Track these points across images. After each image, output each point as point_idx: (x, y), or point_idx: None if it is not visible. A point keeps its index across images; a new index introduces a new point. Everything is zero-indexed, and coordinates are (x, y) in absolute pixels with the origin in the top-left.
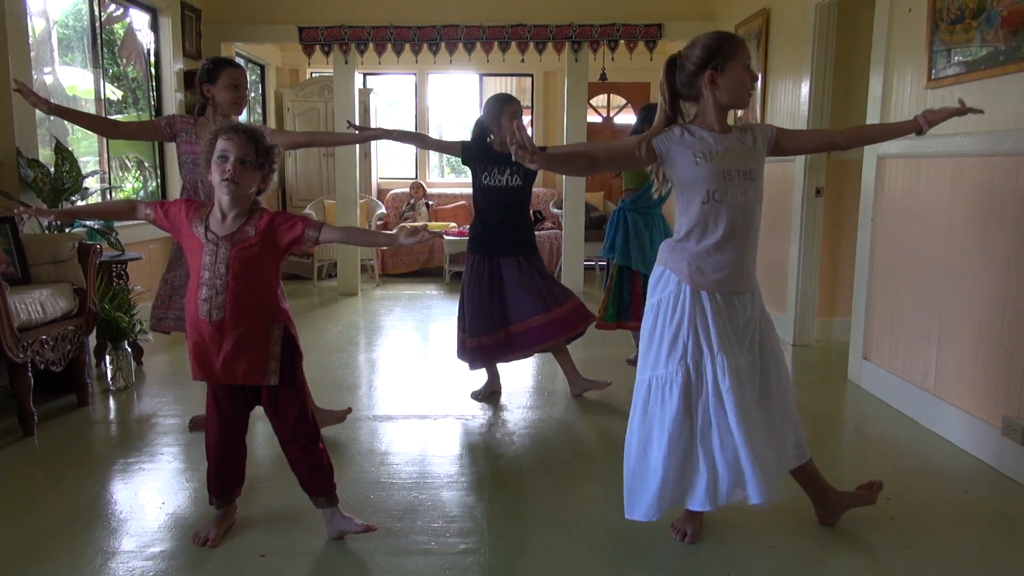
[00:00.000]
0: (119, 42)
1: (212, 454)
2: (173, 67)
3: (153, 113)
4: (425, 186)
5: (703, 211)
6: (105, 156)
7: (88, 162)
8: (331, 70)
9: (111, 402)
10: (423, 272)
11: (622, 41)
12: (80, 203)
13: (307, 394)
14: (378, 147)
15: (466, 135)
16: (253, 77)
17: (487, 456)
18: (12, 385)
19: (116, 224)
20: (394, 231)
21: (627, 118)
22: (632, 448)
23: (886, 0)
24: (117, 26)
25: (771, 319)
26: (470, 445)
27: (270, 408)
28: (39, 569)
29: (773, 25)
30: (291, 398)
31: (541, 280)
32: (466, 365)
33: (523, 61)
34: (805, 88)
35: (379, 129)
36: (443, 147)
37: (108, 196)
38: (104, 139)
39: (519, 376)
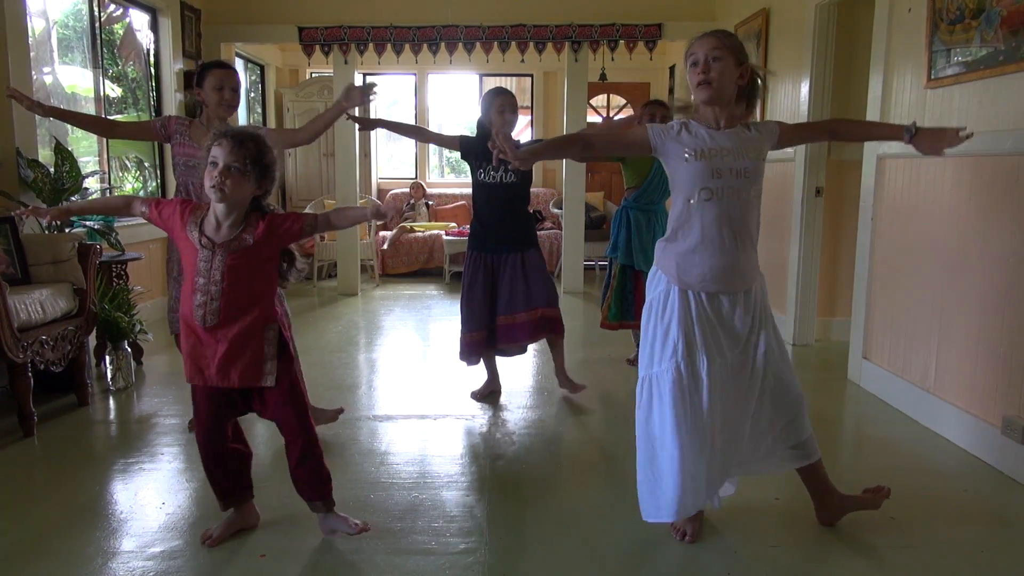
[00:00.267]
0: (119, 42)
1: (202, 460)
2: (173, 67)
3: (153, 113)
4: (425, 186)
5: (691, 209)
6: (105, 156)
7: (88, 162)
8: (331, 70)
9: (111, 402)
10: (423, 272)
11: (622, 41)
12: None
13: (305, 395)
14: (378, 147)
15: (466, 135)
16: (253, 77)
17: (487, 456)
18: (12, 385)
19: (116, 224)
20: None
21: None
22: (640, 448)
23: (886, 0)
24: (117, 26)
25: (773, 320)
26: (470, 445)
27: (269, 407)
28: (39, 569)
29: (773, 25)
30: (285, 400)
31: (530, 275)
32: (465, 364)
33: (523, 61)
34: (805, 88)
35: (378, 120)
36: (441, 141)
37: (108, 196)
38: (104, 139)
39: (519, 376)
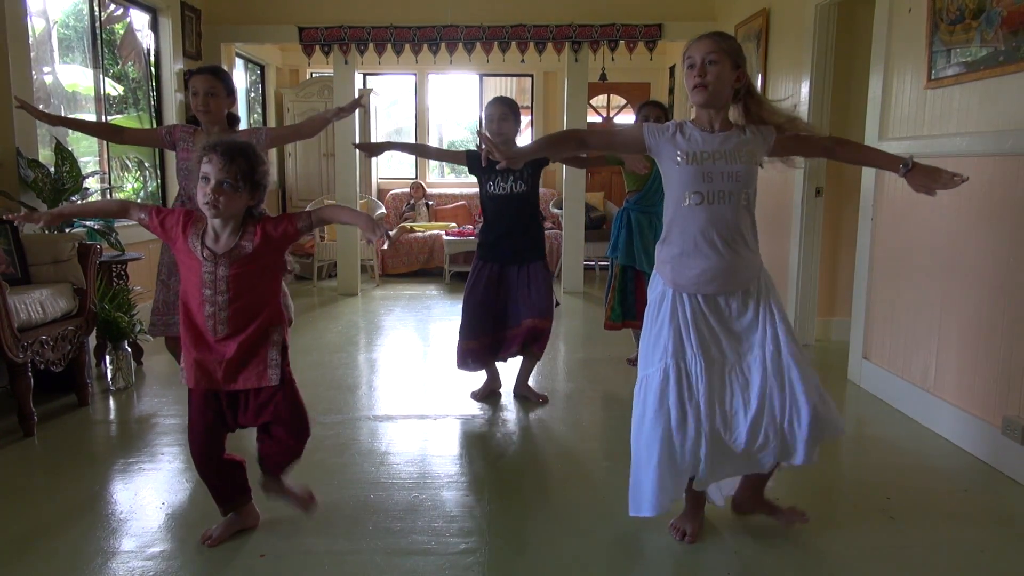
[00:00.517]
0: (119, 42)
1: (197, 470)
2: (173, 67)
3: (153, 113)
4: (425, 186)
5: (682, 212)
6: (105, 156)
7: (88, 162)
8: (331, 70)
9: (111, 402)
10: (423, 272)
11: (622, 41)
12: (80, 203)
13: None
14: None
15: (466, 135)
16: (253, 77)
17: (487, 456)
18: (12, 385)
19: (116, 224)
20: (374, 218)
21: (627, 118)
22: (633, 445)
23: (886, 0)
24: (117, 26)
25: (781, 316)
26: (470, 445)
27: (264, 413)
28: (40, 569)
29: (773, 25)
30: (286, 398)
31: (541, 288)
32: (456, 366)
33: (523, 61)
34: (805, 88)
35: (384, 143)
36: (448, 157)
37: (108, 196)
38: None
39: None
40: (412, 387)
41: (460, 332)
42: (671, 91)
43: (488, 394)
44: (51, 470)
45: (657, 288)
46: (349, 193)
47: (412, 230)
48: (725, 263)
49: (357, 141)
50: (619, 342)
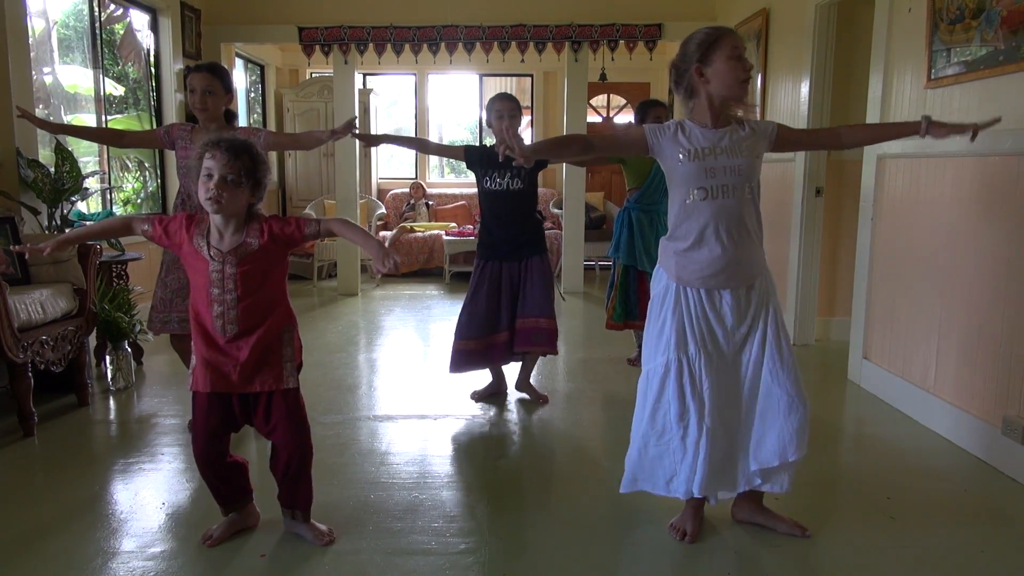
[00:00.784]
0: (119, 42)
1: (200, 472)
2: (173, 67)
3: (153, 113)
4: (425, 186)
5: (687, 209)
6: (105, 156)
7: (88, 162)
8: (331, 70)
9: (111, 402)
10: (423, 272)
11: (622, 41)
12: (80, 204)
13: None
14: (378, 148)
15: (466, 135)
16: (253, 77)
17: (487, 456)
18: (12, 385)
19: None
20: (389, 235)
21: (627, 118)
22: (633, 435)
23: (886, 0)
24: (117, 26)
25: (778, 316)
26: (470, 445)
27: (275, 412)
28: (40, 569)
29: (773, 25)
30: (293, 407)
31: (542, 286)
32: (449, 369)
33: (523, 61)
34: (805, 88)
35: (382, 135)
36: (446, 152)
37: (108, 196)
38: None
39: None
40: (412, 387)
41: (456, 332)
42: (671, 91)
43: (489, 395)
44: (51, 470)
45: (661, 282)
46: (349, 193)
47: (412, 230)
48: (731, 256)
49: (357, 142)
50: (619, 342)
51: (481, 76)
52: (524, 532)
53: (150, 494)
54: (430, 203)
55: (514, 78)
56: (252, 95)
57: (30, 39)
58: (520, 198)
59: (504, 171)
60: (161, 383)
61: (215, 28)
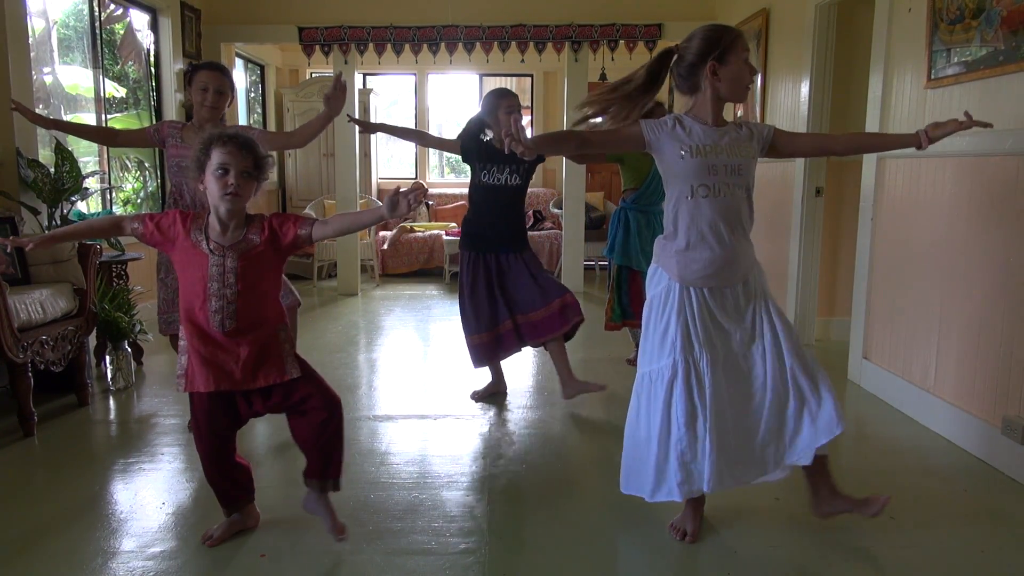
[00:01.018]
0: (119, 42)
1: (205, 473)
2: (173, 67)
3: (153, 113)
4: (426, 186)
5: (687, 206)
6: (105, 156)
7: (88, 162)
8: (331, 70)
9: (111, 402)
10: (423, 272)
11: (622, 41)
12: (80, 204)
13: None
14: (378, 147)
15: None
16: (253, 77)
17: (487, 456)
18: (12, 385)
19: None
20: (380, 205)
21: None
22: (627, 435)
23: (886, 0)
24: (117, 26)
25: (775, 306)
26: (470, 445)
27: (291, 404)
28: (39, 569)
29: (773, 25)
30: (308, 383)
31: (536, 274)
32: (473, 365)
33: (523, 61)
34: (805, 88)
35: (380, 124)
36: (443, 145)
37: (108, 196)
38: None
39: (519, 376)
40: (412, 387)
41: (465, 329)
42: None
43: (489, 395)
44: (51, 470)
45: (661, 283)
46: (349, 193)
47: (412, 230)
48: (731, 253)
49: (357, 142)
50: (619, 342)
51: (481, 76)
52: (524, 532)
53: (150, 494)
54: (430, 203)
55: (514, 78)
56: (252, 95)
57: (30, 39)
58: (516, 193)
59: (503, 166)
60: (161, 383)
61: (215, 28)
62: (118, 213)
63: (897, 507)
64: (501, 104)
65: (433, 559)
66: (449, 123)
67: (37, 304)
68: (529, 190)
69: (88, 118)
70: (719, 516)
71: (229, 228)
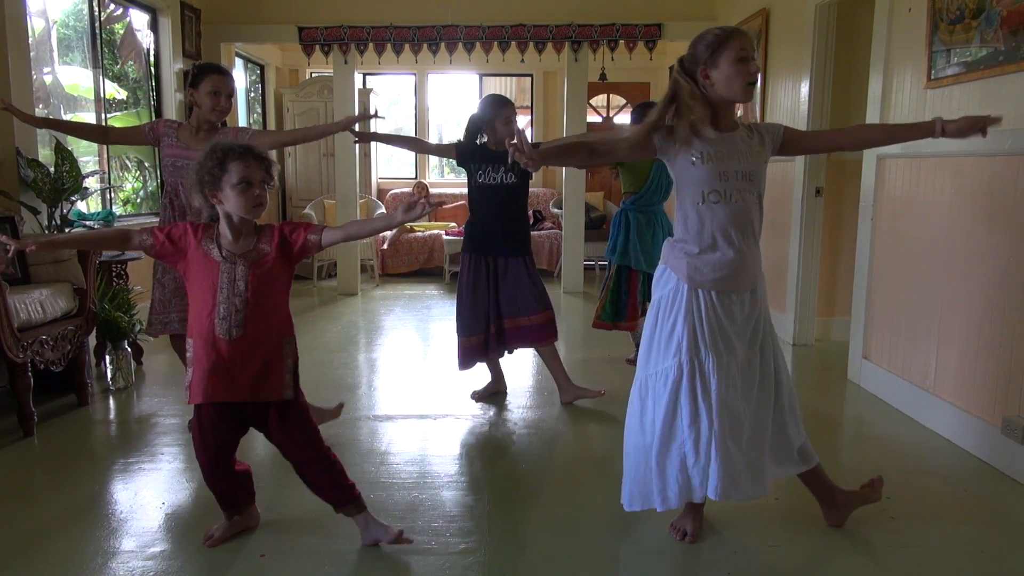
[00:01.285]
0: (119, 42)
1: (206, 480)
2: (173, 67)
3: (153, 113)
4: (427, 186)
5: (699, 211)
6: (105, 156)
7: (88, 162)
8: (331, 70)
9: (111, 402)
10: (423, 272)
11: (622, 41)
12: (80, 203)
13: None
14: (378, 147)
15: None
16: (253, 77)
17: (487, 456)
18: (12, 385)
19: (116, 224)
20: (394, 212)
21: (627, 118)
22: (629, 444)
23: (886, 0)
24: (117, 26)
25: (771, 320)
26: (470, 445)
27: (280, 424)
28: (40, 568)
29: (773, 25)
30: (302, 411)
31: (536, 280)
32: (459, 367)
33: (523, 61)
34: (805, 88)
35: (375, 133)
36: (439, 151)
37: (108, 196)
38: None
39: (519, 376)
40: (412, 387)
41: (458, 330)
42: None
43: (489, 395)
44: (51, 470)
45: (670, 284)
46: (349, 193)
47: (412, 230)
48: (742, 259)
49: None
50: (619, 342)
51: (481, 76)
52: (524, 532)
53: (150, 494)
54: (442, 204)
55: (514, 78)
56: (252, 95)
57: (30, 39)
58: (513, 192)
59: (498, 165)
60: (161, 383)
61: (215, 28)
62: (125, 226)
63: (897, 507)
64: (500, 114)
65: (433, 559)
66: (449, 123)
67: (37, 304)
68: (529, 190)
69: (88, 118)
70: (719, 516)
71: (242, 236)
